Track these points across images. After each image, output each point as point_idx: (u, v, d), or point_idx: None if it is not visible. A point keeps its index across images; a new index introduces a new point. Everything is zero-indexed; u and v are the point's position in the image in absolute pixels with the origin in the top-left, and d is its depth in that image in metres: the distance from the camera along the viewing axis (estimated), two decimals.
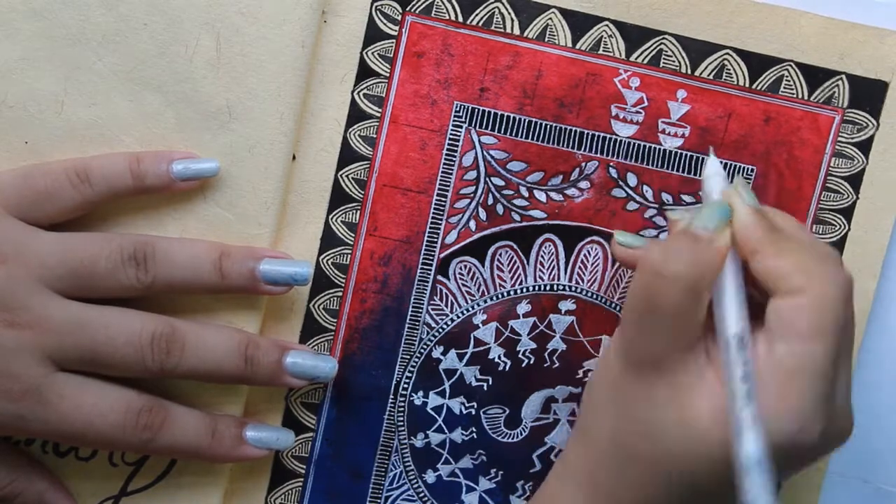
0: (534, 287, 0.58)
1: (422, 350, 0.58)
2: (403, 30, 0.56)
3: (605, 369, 0.53)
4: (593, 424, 0.53)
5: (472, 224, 0.58)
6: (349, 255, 0.58)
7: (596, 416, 0.53)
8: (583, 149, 0.57)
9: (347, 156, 0.57)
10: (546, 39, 0.57)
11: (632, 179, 0.58)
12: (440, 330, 0.58)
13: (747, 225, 0.50)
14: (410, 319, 0.58)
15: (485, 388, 0.59)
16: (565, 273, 0.58)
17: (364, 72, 0.57)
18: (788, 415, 0.48)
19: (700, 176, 0.57)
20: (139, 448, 0.54)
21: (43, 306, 0.52)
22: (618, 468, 0.51)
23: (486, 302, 0.59)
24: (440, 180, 0.58)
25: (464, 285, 0.58)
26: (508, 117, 0.57)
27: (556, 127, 0.57)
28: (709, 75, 0.57)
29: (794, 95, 0.58)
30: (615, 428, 0.52)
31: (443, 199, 0.58)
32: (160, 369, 0.53)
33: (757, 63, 0.57)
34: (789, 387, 0.48)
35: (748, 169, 0.58)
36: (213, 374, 0.54)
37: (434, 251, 0.58)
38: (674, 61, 0.57)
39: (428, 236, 0.58)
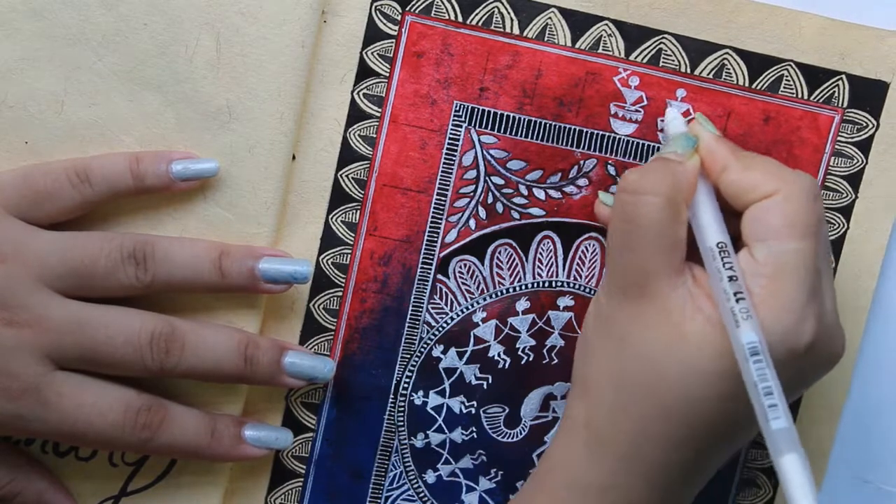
0: (533, 284, 0.58)
1: (422, 349, 0.59)
2: (403, 30, 0.56)
3: (596, 310, 0.53)
4: (587, 371, 0.53)
5: (472, 223, 0.58)
6: (349, 255, 0.58)
7: (589, 360, 0.53)
8: (582, 147, 0.58)
9: (347, 156, 0.57)
10: (546, 39, 0.57)
11: None
12: (440, 329, 0.59)
13: (714, 147, 0.53)
14: (410, 319, 0.58)
15: (485, 386, 0.59)
16: (563, 270, 0.58)
17: (364, 72, 0.57)
18: (780, 311, 0.49)
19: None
20: (138, 447, 0.54)
21: (42, 305, 0.52)
22: (615, 405, 0.51)
23: (485, 300, 0.59)
24: (440, 180, 0.58)
25: (463, 284, 0.58)
26: (508, 116, 0.57)
27: (555, 126, 0.57)
28: (708, 74, 0.57)
29: (794, 95, 0.58)
30: (609, 363, 0.52)
31: (443, 198, 0.58)
32: (160, 368, 0.53)
33: (757, 63, 0.57)
34: (776, 285, 0.49)
35: None
36: (212, 373, 0.54)
37: (434, 250, 0.58)
38: (673, 61, 0.57)
39: (428, 235, 0.58)
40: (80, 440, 0.53)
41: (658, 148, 0.58)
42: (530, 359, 0.59)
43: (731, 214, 0.52)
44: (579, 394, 0.53)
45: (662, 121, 0.57)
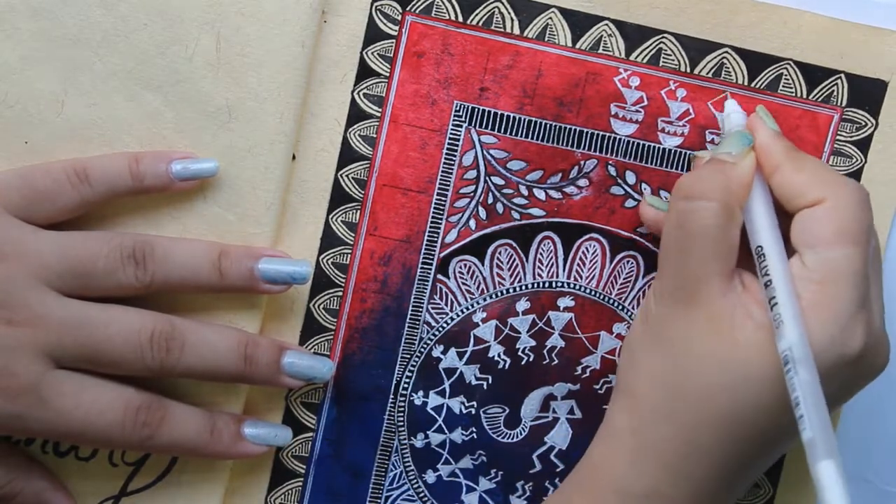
0: (533, 285, 0.58)
1: (422, 349, 0.59)
2: (403, 30, 0.57)
3: (644, 318, 0.54)
4: (634, 378, 0.53)
5: (472, 223, 0.58)
6: (349, 255, 0.58)
7: (636, 367, 0.53)
8: (582, 148, 0.57)
9: (347, 156, 0.57)
10: (546, 39, 0.57)
11: (630, 177, 0.58)
12: (440, 329, 0.59)
13: (769, 144, 0.52)
14: (410, 319, 0.58)
15: (484, 386, 0.59)
16: (564, 270, 0.58)
17: (364, 72, 0.57)
18: (828, 320, 0.49)
19: (721, 116, 0.57)
20: (138, 446, 0.54)
21: (42, 304, 0.52)
22: (662, 412, 0.51)
23: (485, 300, 0.59)
24: (440, 180, 0.58)
25: (463, 284, 0.58)
26: (508, 117, 0.57)
27: (555, 126, 0.57)
28: (708, 74, 0.57)
29: (793, 94, 0.58)
30: (657, 370, 0.52)
31: (443, 198, 0.58)
32: (160, 367, 0.53)
33: (756, 62, 0.57)
34: (824, 293, 0.49)
35: None
36: (211, 372, 0.54)
37: (434, 250, 0.58)
38: (673, 60, 0.57)
39: (428, 235, 0.58)
40: (79, 439, 0.53)
41: (657, 147, 0.58)
42: (530, 359, 0.59)
43: (786, 215, 0.52)
44: (624, 401, 0.53)
45: (721, 114, 0.57)
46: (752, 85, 0.57)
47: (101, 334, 0.52)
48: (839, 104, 0.58)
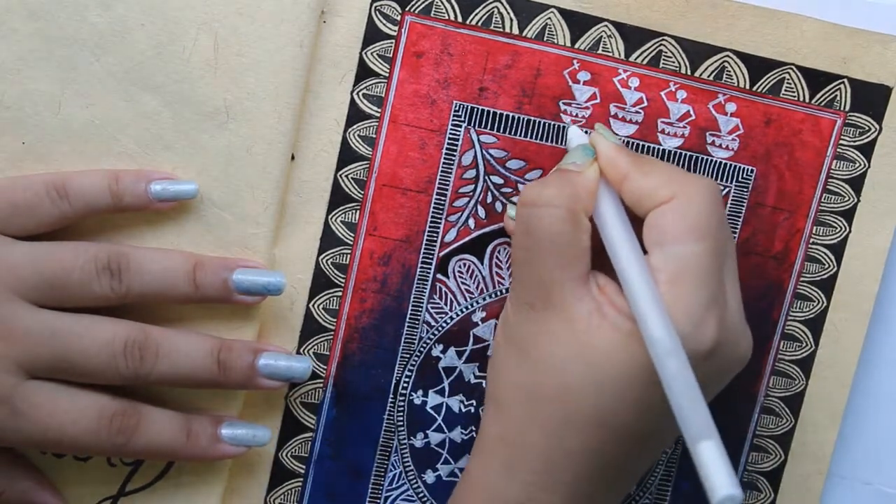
0: None
1: (421, 349, 0.58)
2: (403, 30, 0.56)
3: (503, 325, 0.53)
4: (500, 387, 0.53)
5: (472, 222, 0.58)
6: (349, 255, 0.58)
7: (501, 377, 0.53)
8: None
9: (347, 156, 0.57)
10: (545, 39, 0.56)
11: None
12: (440, 328, 0.58)
13: (613, 155, 0.52)
14: (410, 318, 0.58)
15: (483, 385, 0.59)
16: None
17: (363, 72, 0.56)
18: (679, 316, 0.48)
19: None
20: (114, 452, 0.54)
21: (15, 316, 0.51)
22: (526, 420, 0.51)
23: (485, 300, 0.58)
24: (439, 179, 0.57)
25: (463, 283, 0.58)
26: (507, 116, 0.57)
27: (554, 125, 0.57)
28: (709, 77, 0.57)
29: (796, 98, 0.57)
30: (518, 377, 0.51)
31: (442, 198, 0.57)
32: (133, 376, 0.53)
33: (757, 66, 0.57)
34: (674, 290, 0.48)
35: (748, 170, 0.58)
36: (186, 379, 0.54)
37: (433, 250, 0.58)
38: (673, 62, 0.57)
39: (427, 235, 0.58)
40: (56, 448, 0.53)
41: (657, 149, 0.57)
42: None
43: (641, 222, 0.51)
44: (492, 411, 0.53)
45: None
46: (754, 89, 0.57)
47: (75, 345, 0.52)
48: (842, 109, 0.57)
